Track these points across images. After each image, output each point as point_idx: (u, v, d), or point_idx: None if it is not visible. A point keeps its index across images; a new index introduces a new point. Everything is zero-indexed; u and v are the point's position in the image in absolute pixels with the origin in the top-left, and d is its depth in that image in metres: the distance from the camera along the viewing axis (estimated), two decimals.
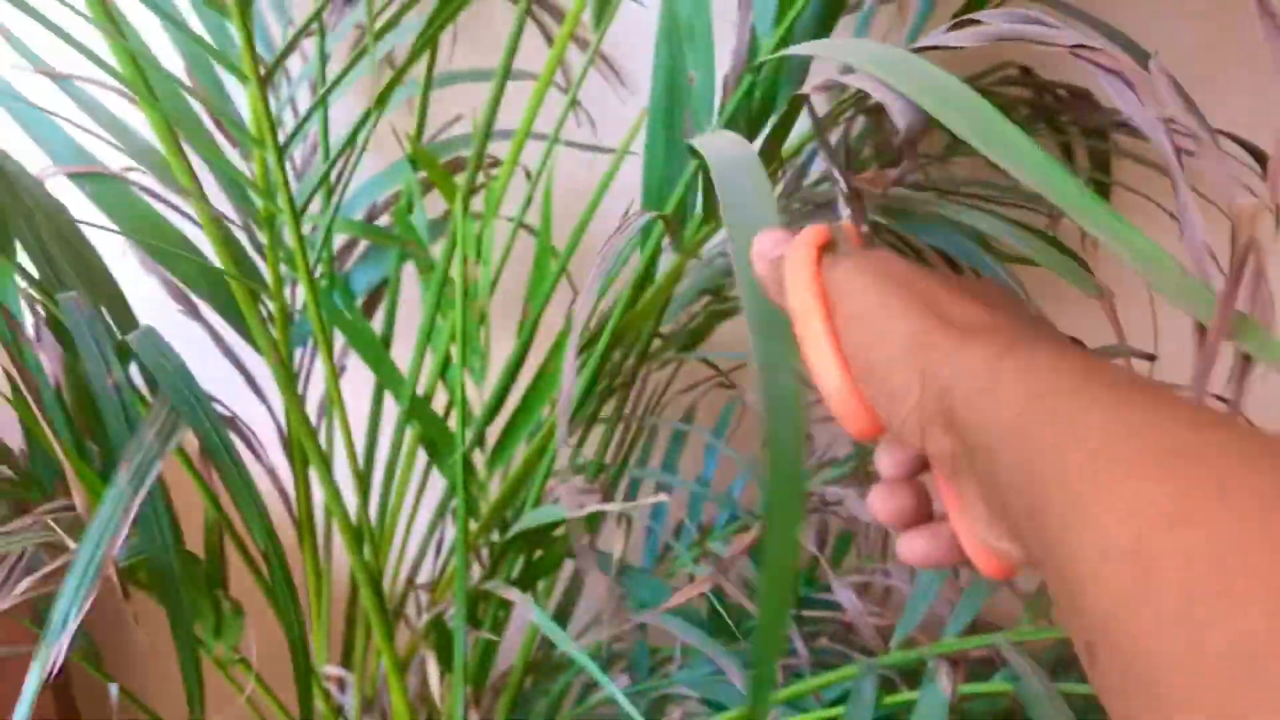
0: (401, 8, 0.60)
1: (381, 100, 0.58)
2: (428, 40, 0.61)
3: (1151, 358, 0.80)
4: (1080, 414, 0.25)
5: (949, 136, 0.81)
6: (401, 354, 0.72)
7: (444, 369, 0.70)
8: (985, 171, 0.91)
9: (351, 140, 0.60)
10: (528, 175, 0.73)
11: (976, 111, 0.35)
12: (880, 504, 0.36)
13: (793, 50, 0.45)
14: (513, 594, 0.56)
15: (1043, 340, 0.29)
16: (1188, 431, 0.23)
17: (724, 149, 0.42)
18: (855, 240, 0.39)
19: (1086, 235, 0.35)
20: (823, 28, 0.57)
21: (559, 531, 0.68)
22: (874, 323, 0.32)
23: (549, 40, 0.76)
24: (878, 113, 0.86)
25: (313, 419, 0.80)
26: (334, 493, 0.67)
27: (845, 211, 0.47)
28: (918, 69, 0.37)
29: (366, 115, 0.59)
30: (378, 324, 0.79)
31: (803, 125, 0.62)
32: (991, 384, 0.28)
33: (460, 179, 0.65)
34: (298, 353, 0.75)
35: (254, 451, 0.69)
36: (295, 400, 0.67)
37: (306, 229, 0.60)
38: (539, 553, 0.72)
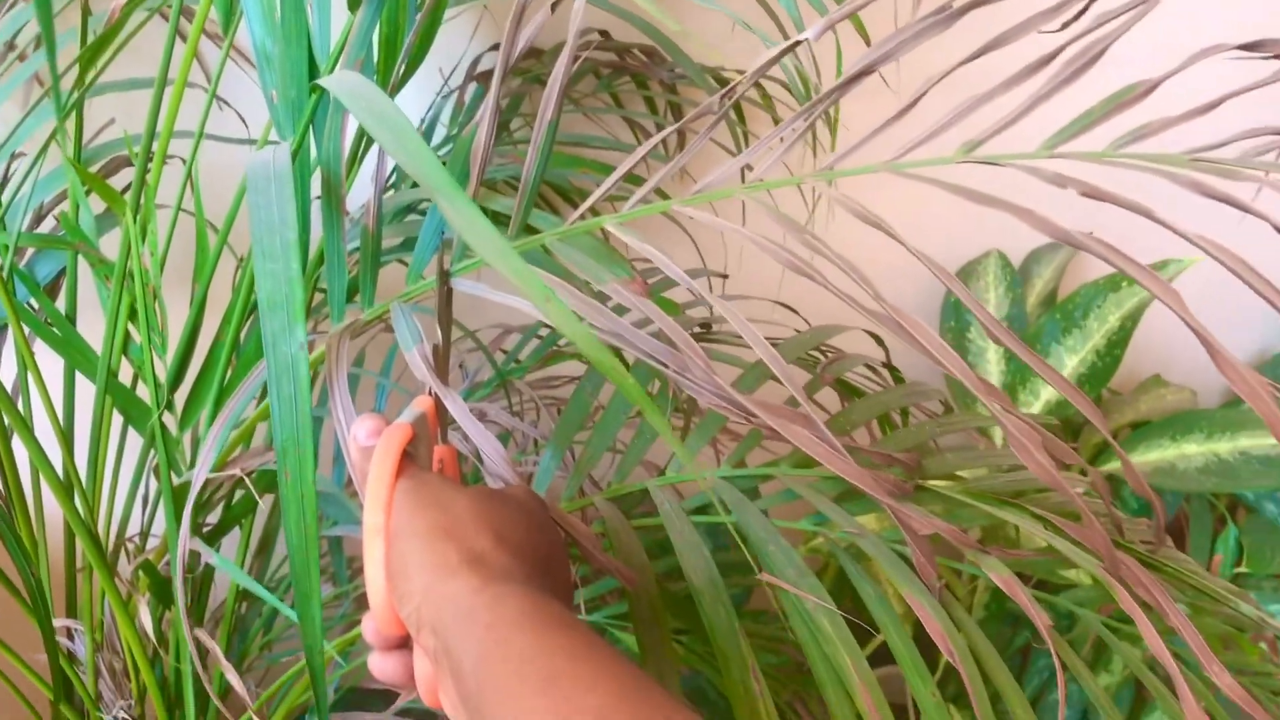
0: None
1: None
2: (88, 61, 0.69)
3: (725, 276, 1.01)
4: (513, 643, 0.36)
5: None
6: (83, 329, 0.80)
7: (125, 347, 0.78)
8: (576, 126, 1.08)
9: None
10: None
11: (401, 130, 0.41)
12: (377, 668, 0.46)
13: None
14: (199, 545, 0.67)
15: (518, 575, 0.40)
16: (566, 662, 0.35)
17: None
18: (434, 425, 0.49)
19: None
20: None
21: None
22: (403, 540, 0.42)
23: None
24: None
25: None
26: (38, 450, 0.74)
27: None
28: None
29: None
30: (61, 304, 0.86)
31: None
32: (468, 610, 0.38)
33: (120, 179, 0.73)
34: None
35: None
36: None
37: None
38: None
